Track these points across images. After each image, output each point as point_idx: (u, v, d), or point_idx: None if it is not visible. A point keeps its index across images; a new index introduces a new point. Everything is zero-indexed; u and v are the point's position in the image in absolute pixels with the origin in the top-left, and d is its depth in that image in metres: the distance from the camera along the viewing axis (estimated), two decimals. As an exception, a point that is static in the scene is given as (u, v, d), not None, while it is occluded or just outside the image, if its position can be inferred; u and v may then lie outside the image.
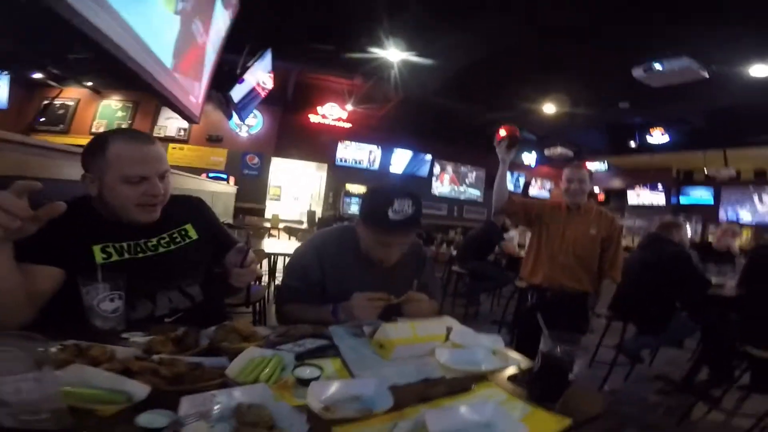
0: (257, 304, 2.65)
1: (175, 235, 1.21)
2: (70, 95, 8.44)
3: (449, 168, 11.91)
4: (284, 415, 0.67)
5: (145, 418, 0.62)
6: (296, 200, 12.31)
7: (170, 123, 8.69)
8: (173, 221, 1.23)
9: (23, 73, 7.64)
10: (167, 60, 2.85)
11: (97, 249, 1.06)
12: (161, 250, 1.17)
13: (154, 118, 8.69)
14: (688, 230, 11.03)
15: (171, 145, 8.70)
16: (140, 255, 1.13)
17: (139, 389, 0.69)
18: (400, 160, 11.08)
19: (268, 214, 9.52)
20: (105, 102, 8.61)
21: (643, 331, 2.89)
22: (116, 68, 2.16)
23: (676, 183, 12.40)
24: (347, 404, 0.76)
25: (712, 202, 11.74)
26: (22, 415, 0.58)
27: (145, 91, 3.03)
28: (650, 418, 2.47)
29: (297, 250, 1.48)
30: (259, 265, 1.27)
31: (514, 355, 1.10)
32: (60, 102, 8.40)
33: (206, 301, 1.23)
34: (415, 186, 11.16)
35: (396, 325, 1.04)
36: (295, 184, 12.29)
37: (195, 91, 3.86)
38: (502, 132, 2.17)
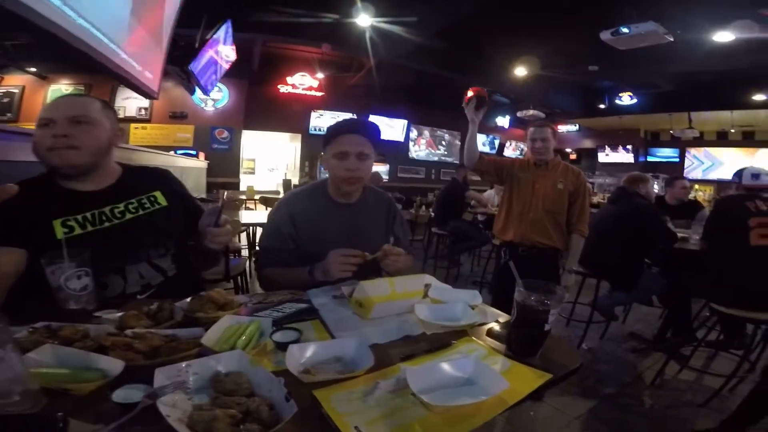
0: (238, 277, 2.60)
1: (143, 201, 1.18)
2: (14, 82, 7.94)
3: (426, 132, 11.89)
4: (263, 381, 0.65)
5: (120, 394, 0.61)
6: (271, 171, 12.10)
7: (129, 103, 8.30)
8: (141, 188, 1.19)
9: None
10: (118, 36, 2.61)
11: (57, 223, 1.01)
12: (128, 216, 1.13)
13: (110, 99, 8.18)
14: (655, 186, 11.52)
15: (132, 125, 8.33)
16: (106, 224, 1.08)
17: (114, 365, 0.68)
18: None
19: (243, 187, 9.33)
20: (54, 87, 8.07)
21: (616, 287, 2.92)
22: (62, 50, 1.95)
23: (643, 143, 13.07)
24: (328, 366, 0.76)
25: (678, 161, 12.60)
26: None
27: (97, 71, 2.78)
28: (626, 377, 2.53)
29: (270, 212, 1.46)
30: (235, 236, 1.23)
31: (492, 310, 1.11)
32: (3, 90, 7.89)
33: (180, 274, 1.19)
34: (392, 149, 11.08)
35: (374, 282, 1.02)
36: (270, 156, 12.03)
37: (151, 66, 3.60)
38: (470, 93, 2.16)
